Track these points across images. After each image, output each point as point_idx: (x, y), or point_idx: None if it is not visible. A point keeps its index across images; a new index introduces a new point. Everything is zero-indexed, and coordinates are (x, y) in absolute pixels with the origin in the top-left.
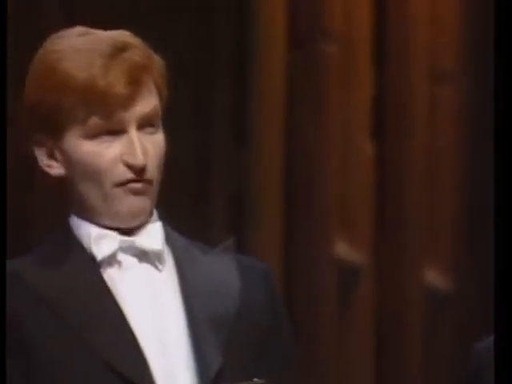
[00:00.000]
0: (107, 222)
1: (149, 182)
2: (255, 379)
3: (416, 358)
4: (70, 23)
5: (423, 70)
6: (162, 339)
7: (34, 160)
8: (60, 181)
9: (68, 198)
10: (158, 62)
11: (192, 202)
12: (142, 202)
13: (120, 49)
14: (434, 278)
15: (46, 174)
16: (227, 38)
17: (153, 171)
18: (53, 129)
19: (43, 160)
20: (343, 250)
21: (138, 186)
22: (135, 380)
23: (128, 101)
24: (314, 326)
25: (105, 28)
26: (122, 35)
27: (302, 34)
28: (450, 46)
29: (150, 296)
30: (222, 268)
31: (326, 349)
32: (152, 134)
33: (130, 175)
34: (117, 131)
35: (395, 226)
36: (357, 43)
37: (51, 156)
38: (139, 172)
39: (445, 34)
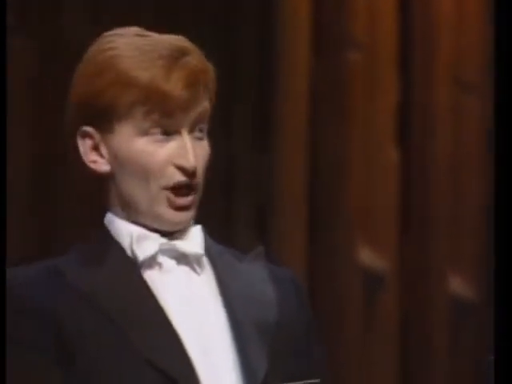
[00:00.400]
0: (149, 223)
1: (196, 187)
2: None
3: (440, 364)
4: (95, 23)
5: (448, 78)
6: (204, 341)
7: (64, 158)
8: (102, 177)
9: (107, 195)
10: (211, 68)
11: (216, 210)
12: (186, 215)
13: (181, 52)
14: (459, 285)
15: (85, 171)
16: (252, 46)
17: (199, 177)
18: (104, 123)
19: (87, 154)
20: (368, 257)
21: (184, 200)
22: (179, 378)
23: (185, 104)
24: (339, 333)
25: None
26: (180, 39)
27: (327, 42)
28: (476, 55)
29: (191, 298)
30: (257, 275)
31: (351, 355)
32: (200, 139)
33: (180, 177)
34: (171, 132)
35: (420, 234)
36: (382, 51)
37: (96, 150)
38: (190, 175)
39: (470, 42)
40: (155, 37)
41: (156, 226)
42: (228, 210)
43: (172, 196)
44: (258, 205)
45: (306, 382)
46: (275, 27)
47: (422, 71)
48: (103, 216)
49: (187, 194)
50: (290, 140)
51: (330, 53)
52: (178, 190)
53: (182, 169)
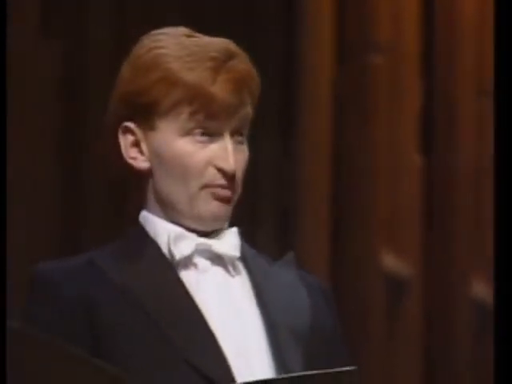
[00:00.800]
0: (186, 222)
1: (234, 189)
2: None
3: (464, 367)
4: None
5: (471, 81)
6: (240, 342)
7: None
8: (139, 174)
9: (144, 193)
10: (256, 73)
11: (240, 213)
12: (225, 208)
13: (228, 56)
14: (482, 289)
15: (122, 168)
16: (275, 50)
17: (238, 180)
18: (147, 120)
19: (128, 150)
20: (391, 260)
21: (225, 192)
22: (216, 378)
23: (230, 107)
24: (362, 336)
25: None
26: (228, 43)
27: (350, 47)
28: None
29: (226, 299)
30: (289, 280)
31: (374, 359)
32: (240, 143)
33: (219, 179)
34: (213, 134)
35: (443, 238)
36: (405, 55)
37: (137, 146)
38: (230, 178)
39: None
40: (203, 38)
41: (194, 225)
42: (252, 213)
43: (212, 189)
44: (282, 208)
45: (343, 368)
46: (298, 32)
47: (445, 75)
48: (114, 216)
49: (227, 189)
50: (314, 144)
51: (354, 57)
52: (217, 186)
53: (222, 171)
